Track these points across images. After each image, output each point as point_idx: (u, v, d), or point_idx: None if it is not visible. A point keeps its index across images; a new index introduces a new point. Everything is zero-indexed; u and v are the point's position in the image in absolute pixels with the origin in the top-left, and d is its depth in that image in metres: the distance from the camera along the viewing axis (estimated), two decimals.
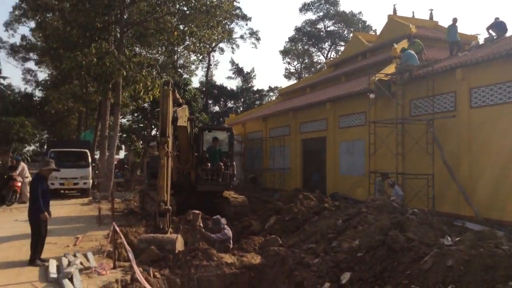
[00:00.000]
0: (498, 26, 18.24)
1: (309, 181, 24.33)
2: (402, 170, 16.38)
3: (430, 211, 11.11)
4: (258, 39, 57.59)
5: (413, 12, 31.72)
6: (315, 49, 60.88)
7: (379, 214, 10.06)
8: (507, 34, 18.06)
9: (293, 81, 57.07)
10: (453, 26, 19.19)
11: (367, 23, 58.44)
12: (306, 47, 60.79)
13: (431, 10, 29.82)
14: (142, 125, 33.81)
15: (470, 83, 14.69)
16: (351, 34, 45.14)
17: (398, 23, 25.96)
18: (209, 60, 55.60)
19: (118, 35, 22.95)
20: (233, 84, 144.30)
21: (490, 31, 18.43)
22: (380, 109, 18.44)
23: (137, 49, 30.48)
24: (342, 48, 51.13)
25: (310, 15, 74.15)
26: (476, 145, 14.41)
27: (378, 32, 34.59)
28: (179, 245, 9.65)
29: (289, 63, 62.71)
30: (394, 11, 29.77)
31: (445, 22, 57.68)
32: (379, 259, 7.89)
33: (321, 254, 8.86)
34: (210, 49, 49.43)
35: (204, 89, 52.79)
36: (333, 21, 57.99)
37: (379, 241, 8.31)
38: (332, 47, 59.36)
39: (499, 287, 6.05)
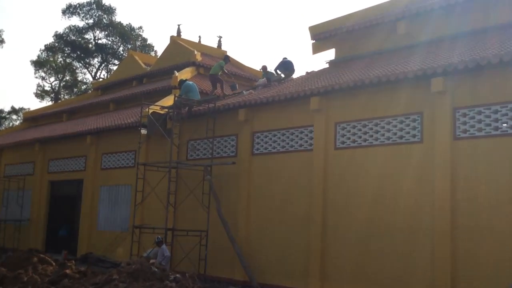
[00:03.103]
0: (285, 65, 20.89)
1: (55, 238, 23.51)
2: (173, 225, 16.91)
3: (192, 276, 11.62)
4: (0, 41, 53.76)
5: (199, 36, 33.61)
6: (81, 64, 59.68)
7: (133, 281, 10.14)
8: (295, 75, 20.73)
9: (47, 103, 54.57)
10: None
11: (148, 41, 60.07)
12: (68, 60, 59.13)
13: (220, 37, 32.28)
14: None
15: (253, 127, 16.24)
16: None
17: (182, 47, 27.35)
18: None
19: None
20: None
21: (278, 71, 20.92)
22: (153, 148, 18.98)
23: None
24: (115, 68, 51.33)
25: (77, 21, 72.28)
26: (256, 198, 15.77)
27: (160, 54, 35.88)
28: None
29: (43, 78, 59.84)
30: (179, 32, 31.15)
31: (234, 53, 63.64)
32: None
33: None
34: None
35: None
36: (106, 32, 57.98)
37: None
38: (103, 64, 59.09)
39: None
